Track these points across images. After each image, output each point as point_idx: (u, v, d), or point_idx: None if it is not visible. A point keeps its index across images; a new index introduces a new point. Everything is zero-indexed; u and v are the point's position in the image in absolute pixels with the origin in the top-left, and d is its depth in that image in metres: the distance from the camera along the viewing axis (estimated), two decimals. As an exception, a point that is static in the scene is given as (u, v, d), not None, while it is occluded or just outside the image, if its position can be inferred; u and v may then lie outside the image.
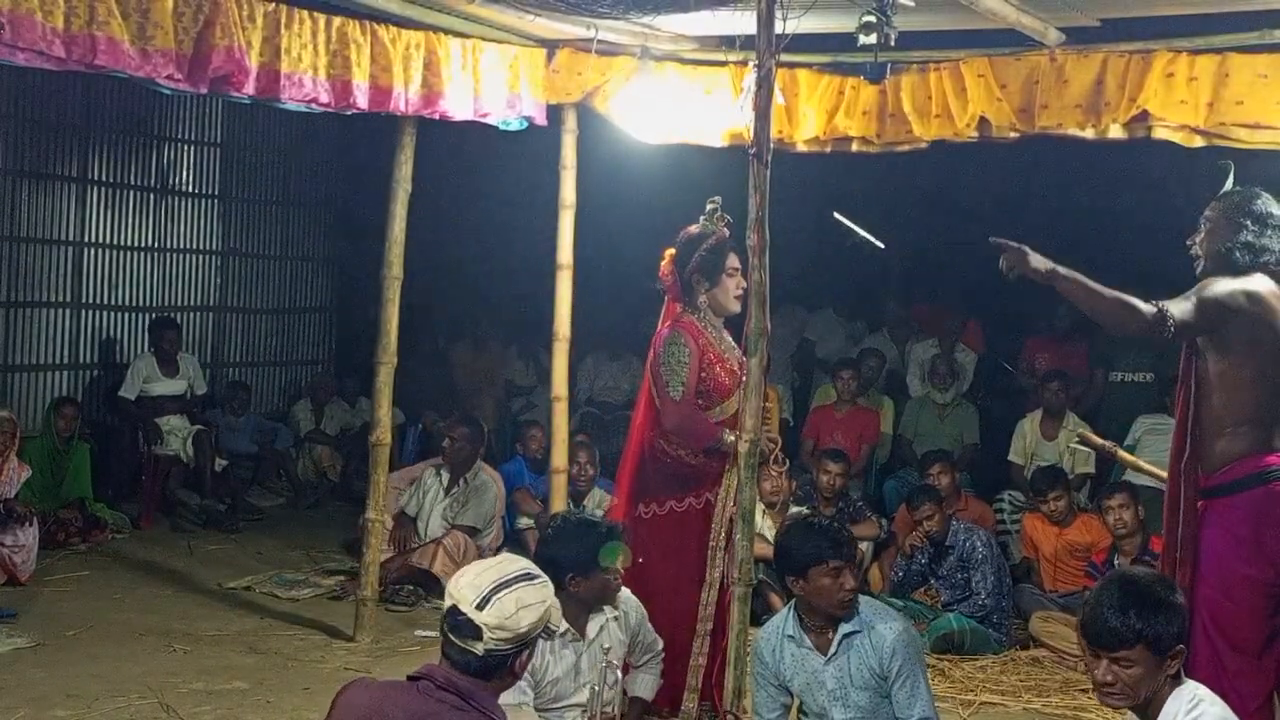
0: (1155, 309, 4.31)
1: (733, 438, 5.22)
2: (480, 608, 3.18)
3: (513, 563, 3.33)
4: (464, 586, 3.23)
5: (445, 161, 8.97)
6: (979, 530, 7.81)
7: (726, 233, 5.53)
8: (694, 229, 5.58)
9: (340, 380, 11.85)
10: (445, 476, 8.39)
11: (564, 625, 4.62)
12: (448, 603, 3.25)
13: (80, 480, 9.14)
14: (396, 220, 6.99)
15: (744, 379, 5.19)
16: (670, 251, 5.60)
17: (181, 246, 11.43)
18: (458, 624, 3.20)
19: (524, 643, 3.24)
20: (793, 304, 10.85)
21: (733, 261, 5.47)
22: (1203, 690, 3.48)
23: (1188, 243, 4.71)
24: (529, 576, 3.27)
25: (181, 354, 10.35)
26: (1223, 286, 4.43)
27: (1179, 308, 4.34)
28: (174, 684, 6.21)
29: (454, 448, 8.39)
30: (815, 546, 4.49)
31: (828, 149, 7.16)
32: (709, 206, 5.59)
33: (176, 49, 5.56)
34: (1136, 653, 3.38)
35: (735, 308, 5.49)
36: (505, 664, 3.23)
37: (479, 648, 3.18)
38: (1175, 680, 3.46)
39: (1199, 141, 6.32)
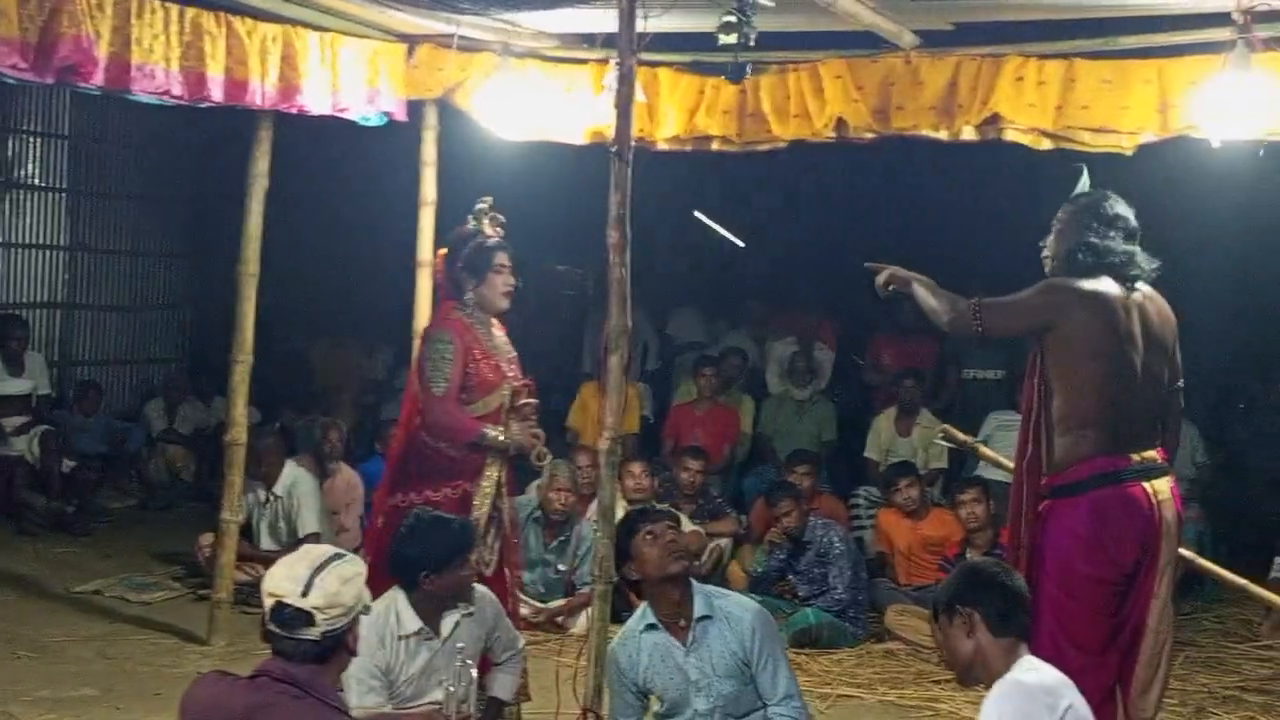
0: (970, 305, 4.49)
1: (495, 434, 5.34)
2: (305, 594, 3.28)
3: (317, 549, 3.49)
4: (281, 580, 3.33)
5: (305, 157, 8.84)
6: (836, 526, 7.93)
7: (500, 231, 5.54)
8: (464, 228, 5.59)
9: (195, 379, 11.62)
10: (261, 491, 8.15)
11: (418, 623, 4.61)
12: (269, 602, 3.34)
13: (-82, 483, 8.86)
14: (253, 216, 6.91)
15: (511, 377, 5.40)
16: (442, 251, 5.63)
17: (27, 241, 11.13)
18: (286, 618, 3.29)
19: (353, 617, 3.37)
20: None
21: (500, 259, 5.48)
22: (1043, 664, 3.68)
23: (1040, 244, 4.82)
24: (338, 555, 3.41)
25: (28, 352, 10.05)
26: (1045, 296, 4.52)
27: (993, 306, 4.51)
28: (18, 692, 6.05)
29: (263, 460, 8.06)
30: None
31: (688, 148, 7.21)
32: (478, 205, 5.61)
33: (21, 37, 5.39)
34: (940, 620, 3.76)
35: (503, 304, 5.52)
36: (340, 642, 3.35)
37: (314, 633, 3.29)
38: (1009, 652, 3.63)
39: (1047, 144, 6.49)
